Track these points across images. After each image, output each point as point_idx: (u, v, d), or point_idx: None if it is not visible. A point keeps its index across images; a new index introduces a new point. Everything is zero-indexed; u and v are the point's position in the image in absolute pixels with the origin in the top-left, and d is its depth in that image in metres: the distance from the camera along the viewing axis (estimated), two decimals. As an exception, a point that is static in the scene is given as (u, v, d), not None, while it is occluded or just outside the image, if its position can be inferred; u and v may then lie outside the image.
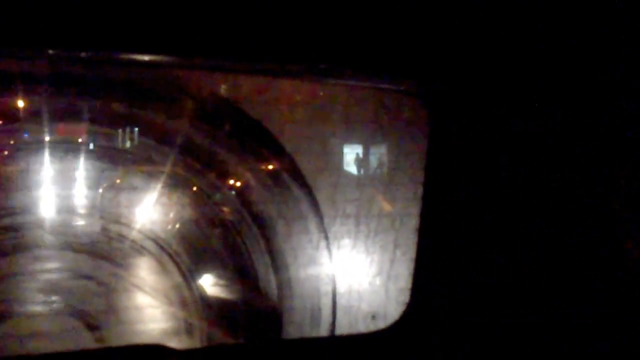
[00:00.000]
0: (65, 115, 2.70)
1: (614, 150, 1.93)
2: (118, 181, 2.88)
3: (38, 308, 2.71)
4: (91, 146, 2.82)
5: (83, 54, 1.57)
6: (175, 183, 2.81)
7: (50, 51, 1.52)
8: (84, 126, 2.75)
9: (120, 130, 2.80)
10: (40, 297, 2.73)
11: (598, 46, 1.71)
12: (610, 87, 1.81)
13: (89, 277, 2.79)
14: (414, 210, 2.09)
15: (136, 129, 2.79)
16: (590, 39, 1.69)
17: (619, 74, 1.79)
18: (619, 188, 1.96)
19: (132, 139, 2.82)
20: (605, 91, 1.81)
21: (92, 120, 2.73)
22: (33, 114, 2.60)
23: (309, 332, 2.72)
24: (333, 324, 2.70)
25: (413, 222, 2.10)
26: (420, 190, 2.01)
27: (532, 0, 1.58)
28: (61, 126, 2.75)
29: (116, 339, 2.76)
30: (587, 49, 1.71)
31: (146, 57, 1.61)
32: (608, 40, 1.70)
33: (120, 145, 2.84)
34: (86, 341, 2.68)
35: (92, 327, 2.72)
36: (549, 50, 1.70)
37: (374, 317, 2.63)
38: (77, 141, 2.79)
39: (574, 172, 1.90)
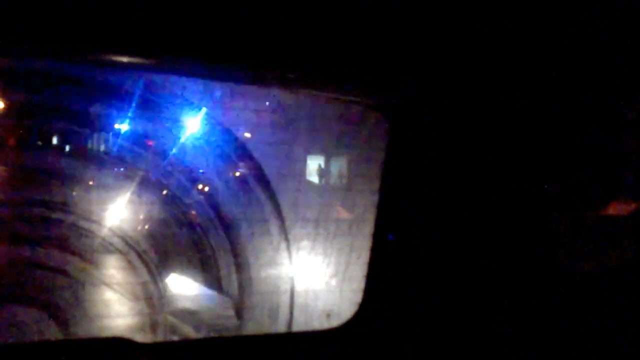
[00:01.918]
0: (38, 113, 2.60)
1: (555, 167, 1.96)
2: (98, 183, 2.80)
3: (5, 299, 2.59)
4: (66, 146, 2.73)
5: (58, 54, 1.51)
6: (145, 184, 2.73)
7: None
8: (60, 125, 2.66)
9: (95, 131, 2.71)
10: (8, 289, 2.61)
11: (541, 64, 1.74)
12: (551, 105, 1.84)
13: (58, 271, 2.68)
14: (370, 216, 2.08)
15: (111, 130, 2.72)
16: (534, 57, 1.72)
17: (559, 92, 1.82)
18: (556, 204, 1.99)
19: (106, 141, 2.74)
20: (547, 109, 1.84)
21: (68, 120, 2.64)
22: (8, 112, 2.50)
23: (267, 329, 2.68)
24: (290, 321, 2.67)
25: (368, 228, 2.08)
26: (376, 198, 2.00)
27: (481, 25, 1.60)
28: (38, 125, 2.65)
29: (84, 333, 2.66)
30: (532, 65, 1.74)
31: (118, 59, 1.55)
32: (547, 60, 1.74)
33: (94, 145, 2.76)
34: (53, 333, 2.57)
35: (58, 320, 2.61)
36: (497, 69, 1.72)
37: (328, 315, 2.61)
38: (52, 140, 2.70)
39: (521, 182, 1.92)
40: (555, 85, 1.79)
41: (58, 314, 2.63)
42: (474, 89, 1.73)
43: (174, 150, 2.72)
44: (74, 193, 2.78)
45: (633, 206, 2.23)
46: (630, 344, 1.91)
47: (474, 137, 1.79)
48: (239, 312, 2.69)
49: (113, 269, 2.81)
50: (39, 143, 2.70)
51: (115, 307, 2.81)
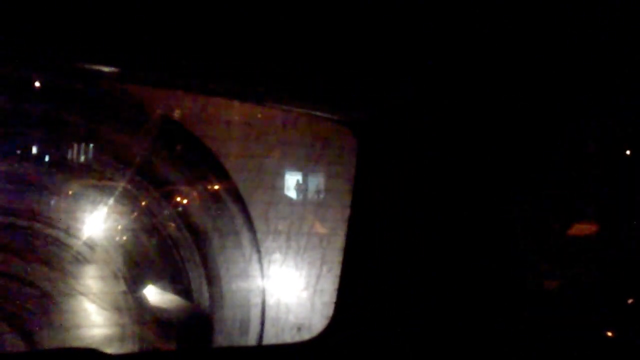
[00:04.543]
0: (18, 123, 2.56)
1: (522, 188, 1.99)
2: (69, 192, 2.76)
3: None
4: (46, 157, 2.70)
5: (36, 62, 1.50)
6: (117, 195, 2.70)
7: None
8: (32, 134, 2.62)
9: (71, 142, 2.68)
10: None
11: (505, 86, 1.78)
12: (516, 127, 1.87)
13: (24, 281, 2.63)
14: (341, 230, 2.09)
15: (85, 141, 2.69)
16: (498, 78, 1.76)
17: (520, 114, 1.86)
18: (521, 225, 2.02)
19: (80, 150, 2.71)
20: (511, 131, 1.87)
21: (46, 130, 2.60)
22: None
23: (238, 342, 2.66)
24: (261, 334, 2.65)
25: (339, 241, 2.09)
26: (347, 212, 2.01)
27: (447, 45, 1.64)
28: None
29: (51, 344, 2.61)
30: (498, 86, 1.78)
31: (91, 67, 1.54)
32: (513, 76, 1.78)
33: (69, 156, 2.72)
34: (18, 345, 2.51)
35: (25, 331, 2.56)
36: (461, 89, 1.75)
37: (299, 328, 2.60)
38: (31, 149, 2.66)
39: (488, 200, 1.94)
40: (521, 104, 1.83)
41: (25, 326, 2.58)
42: (440, 107, 1.76)
43: (146, 162, 2.69)
44: (44, 202, 2.74)
45: (594, 227, 2.28)
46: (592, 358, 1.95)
47: (441, 154, 1.82)
48: (210, 324, 2.66)
49: (82, 280, 2.77)
50: (10, 151, 2.66)
51: (84, 318, 2.77)
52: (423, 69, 1.69)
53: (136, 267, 2.77)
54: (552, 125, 1.98)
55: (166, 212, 2.76)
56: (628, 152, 2.23)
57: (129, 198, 2.72)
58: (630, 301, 2.05)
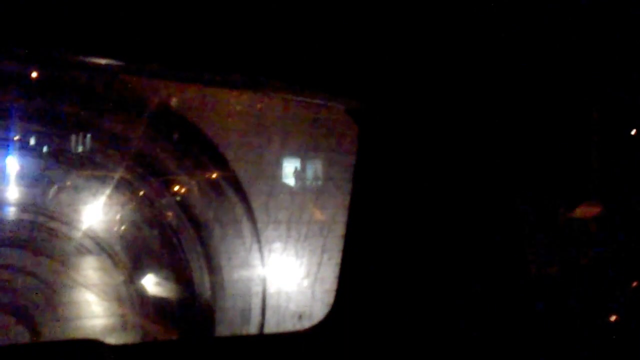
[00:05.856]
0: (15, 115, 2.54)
1: (523, 175, 1.99)
2: (69, 184, 2.74)
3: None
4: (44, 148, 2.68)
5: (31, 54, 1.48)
6: (117, 186, 2.69)
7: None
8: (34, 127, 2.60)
9: (71, 134, 2.66)
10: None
11: (506, 69, 1.78)
12: (519, 112, 1.87)
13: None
14: (341, 218, 2.08)
15: (84, 132, 2.67)
16: (499, 64, 1.75)
17: (526, 98, 1.85)
18: (527, 215, 2.02)
19: (80, 142, 2.69)
20: (513, 116, 1.87)
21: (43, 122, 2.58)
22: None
23: (239, 330, 2.66)
24: (262, 322, 2.65)
25: (339, 229, 2.09)
26: (347, 200, 2.00)
27: (448, 34, 1.64)
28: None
29: (53, 335, 2.60)
30: (497, 72, 1.77)
31: (90, 60, 1.53)
32: (512, 65, 1.77)
33: (69, 147, 2.70)
34: (21, 337, 2.51)
35: (27, 323, 2.55)
36: (463, 77, 1.75)
37: (300, 317, 2.60)
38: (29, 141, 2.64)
39: (490, 187, 1.94)
40: (522, 91, 1.83)
41: (27, 317, 2.57)
42: (441, 96, 1.75)
43: (146, 153, 2.68)
44: (45, 195, 2.72)
45: (597, 210, 2.29)
46: (593, 343, 1.95)
47: (441, 143, 1.81)
48: (211, 314, 2.66)
49: (84, 271, 2.76)
50: (9, 143, 2.64)
51: (85, 309, 2.76)
52: (426, 58, 1.69)
53: (137, 257, 2.76)
54: (553, 116, 1.98)
55: (167, 202, 2.75)
56: (628, 143, 2.24)
57: (129, 189, 2.71)
58: (634, 284, 2.06)
